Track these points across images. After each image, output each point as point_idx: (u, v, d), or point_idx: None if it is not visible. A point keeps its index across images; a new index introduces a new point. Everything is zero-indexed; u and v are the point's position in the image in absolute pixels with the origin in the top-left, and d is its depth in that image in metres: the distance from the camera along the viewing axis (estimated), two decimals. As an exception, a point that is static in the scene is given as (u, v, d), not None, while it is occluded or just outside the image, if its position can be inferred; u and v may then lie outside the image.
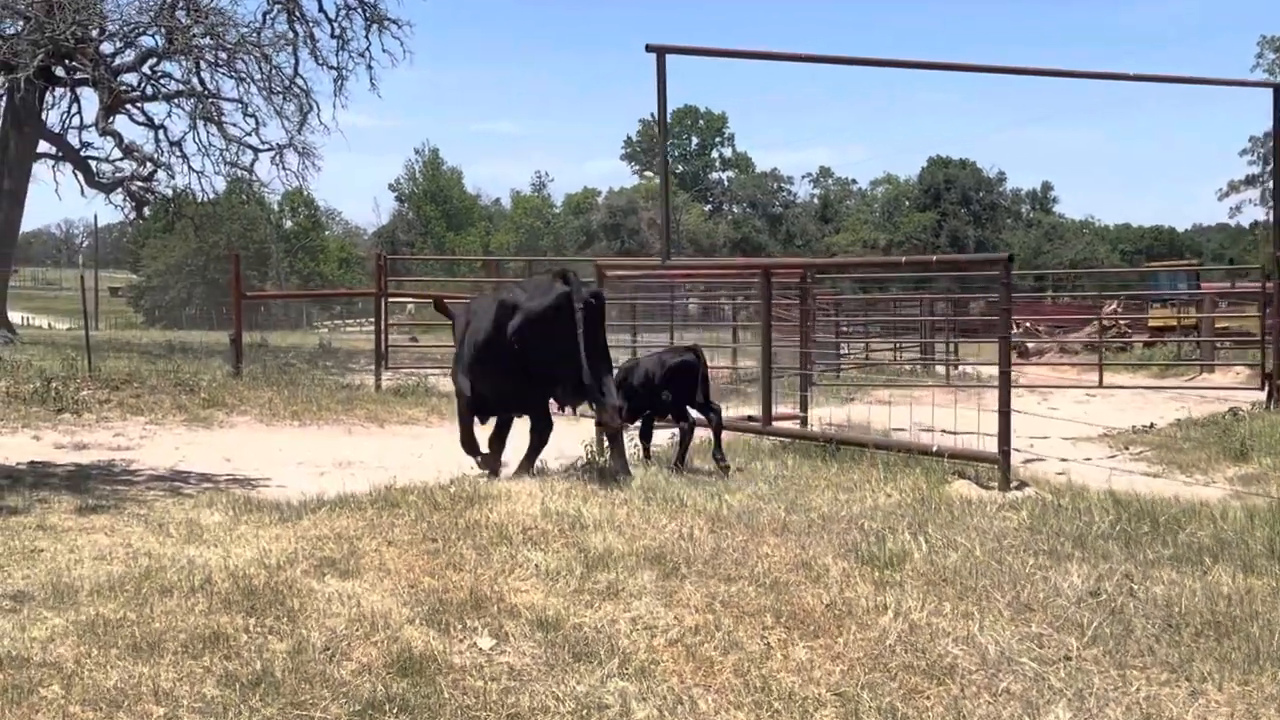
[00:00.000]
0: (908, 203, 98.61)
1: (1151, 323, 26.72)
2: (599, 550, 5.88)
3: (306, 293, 64.90)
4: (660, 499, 7.02)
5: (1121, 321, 27.32)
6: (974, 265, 18.92)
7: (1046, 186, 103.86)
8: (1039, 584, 5.34)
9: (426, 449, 12.04)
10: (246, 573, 5.51)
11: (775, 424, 9.80)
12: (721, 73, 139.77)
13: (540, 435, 8.70)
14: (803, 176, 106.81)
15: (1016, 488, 7.53)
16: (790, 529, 6.37)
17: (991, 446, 7.75)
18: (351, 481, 9.79)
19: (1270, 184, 29.97)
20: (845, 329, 24.17)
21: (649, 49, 9.97)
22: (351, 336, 42.10)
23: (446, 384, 16.27)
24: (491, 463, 8.82)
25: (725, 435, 9.44)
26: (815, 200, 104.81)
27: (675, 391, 9.14)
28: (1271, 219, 31.96)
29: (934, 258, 9.48)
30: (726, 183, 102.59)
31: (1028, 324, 34.92)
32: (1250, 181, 31.48)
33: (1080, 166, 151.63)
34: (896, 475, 7.82)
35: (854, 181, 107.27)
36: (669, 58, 10.02)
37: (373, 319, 19.43)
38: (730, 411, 11.99)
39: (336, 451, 11.71)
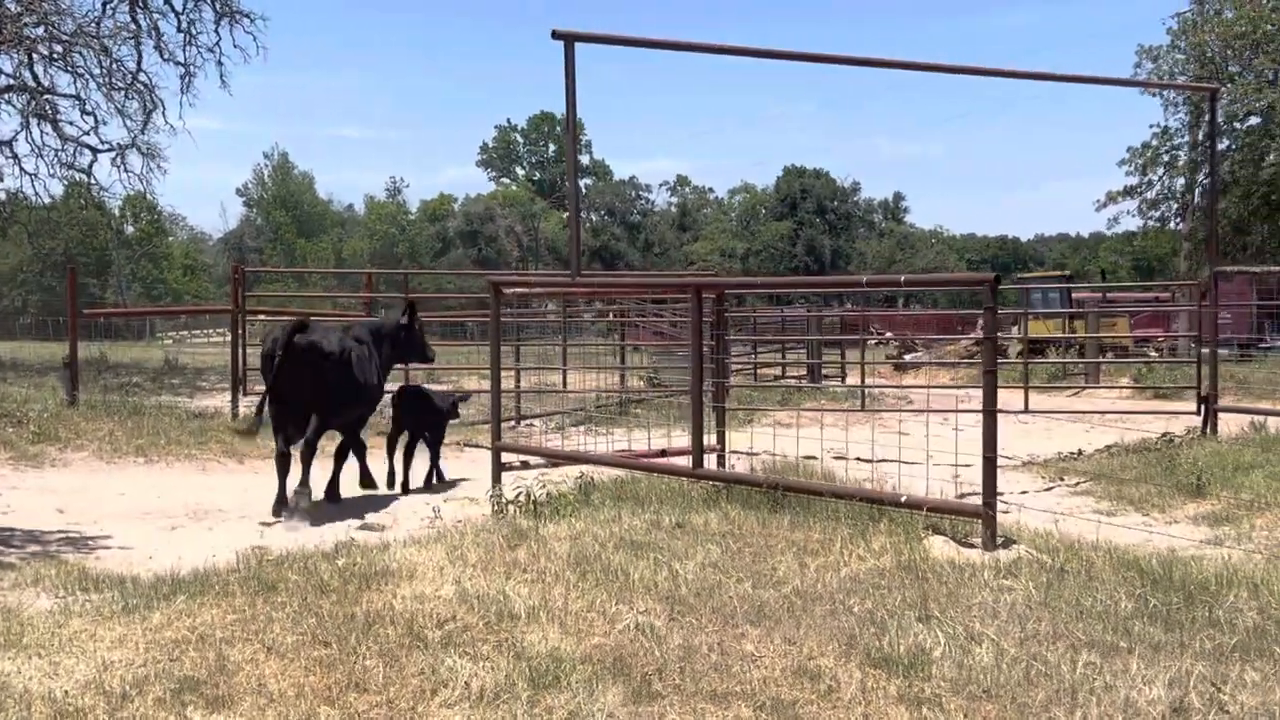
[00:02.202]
0: (764, 211, 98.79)
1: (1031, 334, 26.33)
2: (542, 655, 4.64)
3: (151, 309, 61.49)
4: (599, 572, 5.80)
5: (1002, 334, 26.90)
6: (957, 284, 17.98)
7: (898, 197, 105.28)
8: (1103, 696, 4.27)
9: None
10: (79, 707, 4.14)
11: (718, 463, 8.62)
12: (579, 80, 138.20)
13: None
14: (660, 184, 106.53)
15: (1002, 545, 6.50)
16: (767, 613, 5.20)
17: (944, 483, 6.77)
18: (211, 539, 8.41)
19: (1148, 195, 30.08)
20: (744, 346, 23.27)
21: (555, 35, 8.79)
22: (199, 349, 39.70)
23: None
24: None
25: (642, 475, 8.53)
26: (673, 208, 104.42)
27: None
28: (1184, 228, 32.22)
29: (902, 277, 8.50)
30: (584, 190, 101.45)
31: (888, 334, 34.58)
32: (1129, 193, 31.40)
33: (929, 177, 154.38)
34: (864, 531, 6.71)
35: (711, 190, 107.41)
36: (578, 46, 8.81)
37: (222, 329, 17.67)
38: (627, 442, 10.87)
39: (190, 496, 10.23)
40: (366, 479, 10.72)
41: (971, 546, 6.50)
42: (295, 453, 9.52)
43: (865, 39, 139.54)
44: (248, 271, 20.04)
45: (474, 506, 9.08)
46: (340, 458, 10.54)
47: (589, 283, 11.31)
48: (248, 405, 15.06)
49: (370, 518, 9.21)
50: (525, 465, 9.56)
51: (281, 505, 9.42)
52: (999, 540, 6.51)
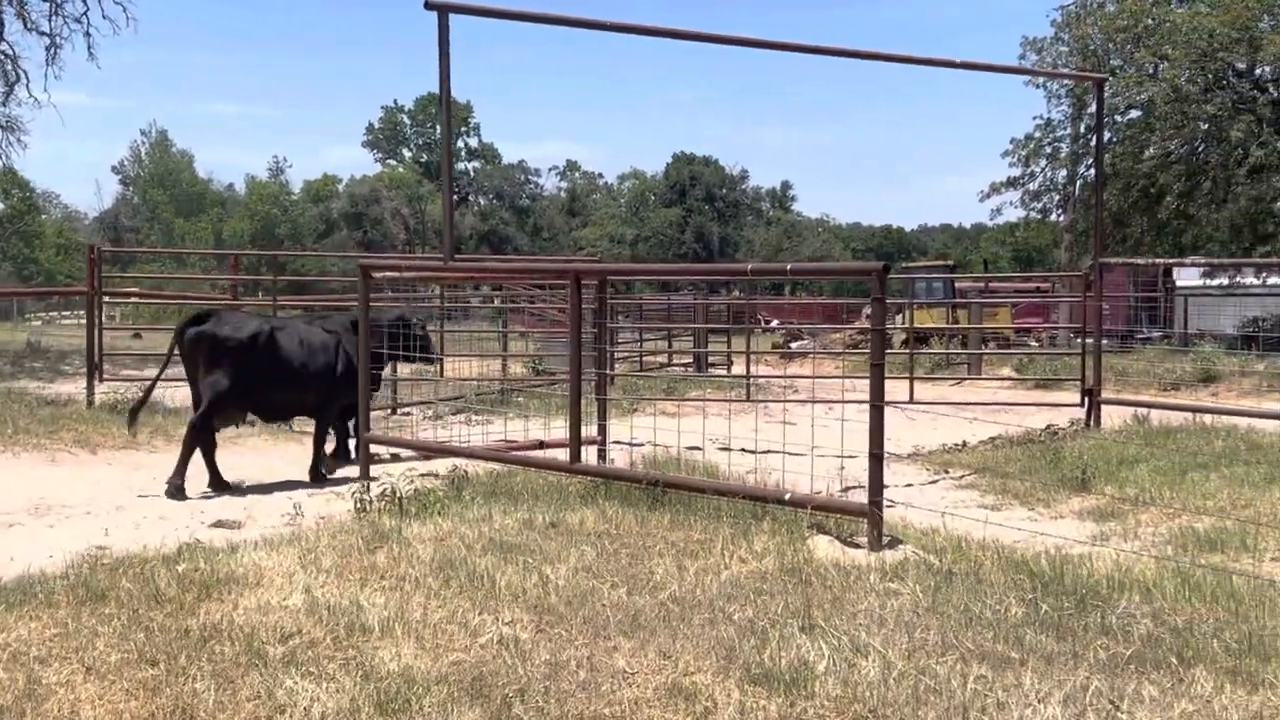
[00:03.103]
0: (653, 198, 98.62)
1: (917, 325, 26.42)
2: (394, 674, 4.23)
3: (6, 291, 58.91)
4: (463, 578, 5.39)
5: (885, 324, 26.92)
6: (844, 274, 17.63)
7: (786, 185, 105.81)
8: (996, 715, 3.99)
9: (149, 483, 10.04)
10: None
11: (599, 455, 8.24)
12: (467, 62, 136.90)
13: None
14: (549, 169, 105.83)
15: (889, 545, 6.23)
16: (642, 623, 4.85)
17: (829, 478, 6.50)
18: (50, 538, 7.82)
19: (1030, 186, 30.39)
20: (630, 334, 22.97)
21: (429, 6, 8.30)
22: (67, 332, 38.18)
23: (175, 397, 14.14)
24: None
25: (517, 470, 8.16)
26: (562, 194, 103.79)
27: None
28: (1065, 220, 32.58)
29: (788, 265, 8.19)
30: (472, 173, 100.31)
31: (774, 323, 34.57)
32: (1012, 184, 31.70)
33: (817, 165, 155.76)
34: (747, 531, 6.40)
35: (601, 176, 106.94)
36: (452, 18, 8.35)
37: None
38: (506, 433, 10.48)
39: (35, 489, 9.58)
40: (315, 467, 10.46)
41: (857, 546, 6.22)
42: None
43: (758, 28, 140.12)
44: (114, 251, 19.12)
45: (340, 502, 8.58)
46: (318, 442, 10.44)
47: (463, 267, 10.84)
48: (105, 392, 14.32)
49: (226, 514, 8.66)
50: (396, 458, 9.10)
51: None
52: (885, 540, 6.25)
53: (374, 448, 9.61)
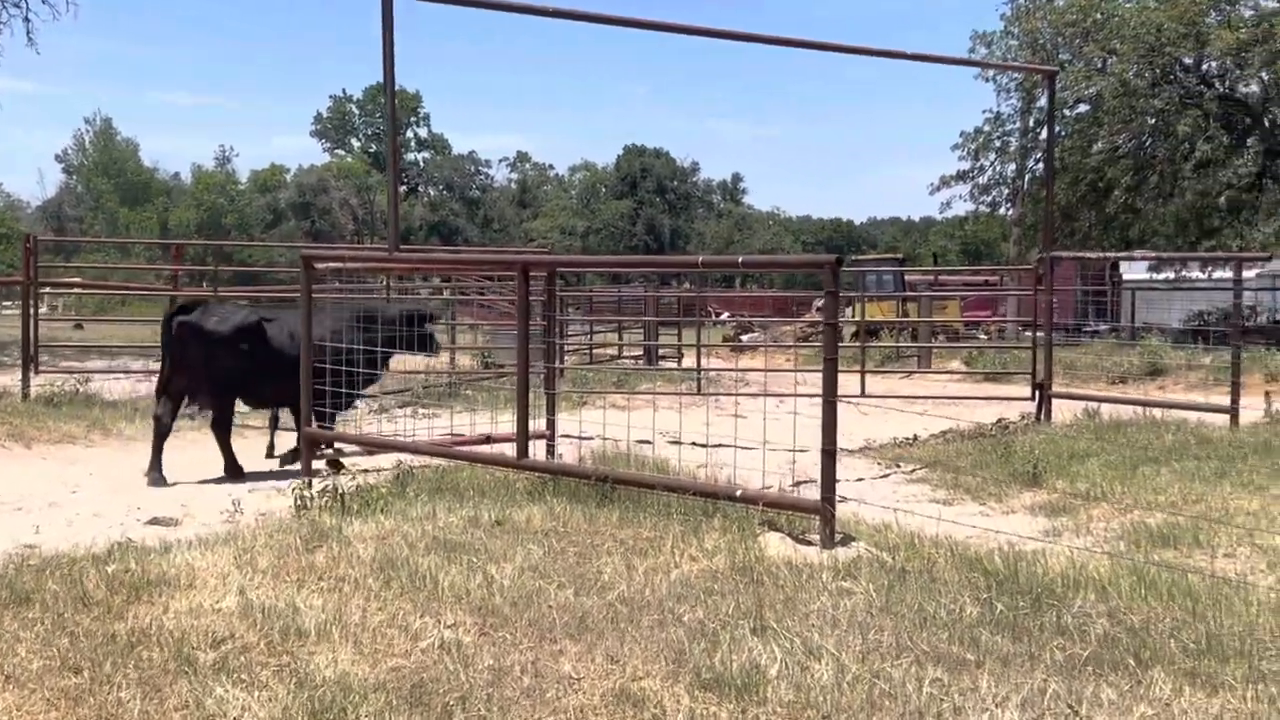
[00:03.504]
0: (604, 190, 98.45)
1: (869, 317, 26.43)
2: (330, 681, 4.06)
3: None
4: (405, 579, 5.22)
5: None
6: (796, 267, 17.33)
7: (736, 178, 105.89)
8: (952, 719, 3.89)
9: (84, 478, 9.79)
10: None
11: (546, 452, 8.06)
12: (416, 51, 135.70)
13: None
14: (500, 161, 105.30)
15: (841, 542, 6.12)
16: (589, 625, 4.70)
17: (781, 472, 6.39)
18: (-24, 536, 7.55)
19: (980, 180, 30.48)
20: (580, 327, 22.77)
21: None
22: (8, 323, 37.43)
23: (115, 388, 13.82)
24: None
25: (464, 465, 8.01)
26: (513, 185, 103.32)
27: None
28: (1014, 214, 32.67)
29: (739, 258, 8.11)
30: (422, 164, 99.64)
31: (725, 315, 34.51)
32: (961, 177, 31.79)
33: (767, 159, 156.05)
34: (697, 528, 6.27)
35: (551, 167, 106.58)
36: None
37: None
38: (453, 426, 10.26)
39: (-38, 486, 9.28)
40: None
41: (809, 544, 6.10)
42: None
43: (705, 19, 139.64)
44: (55, 241, 18.70)
45: (281, 499, 8.34)
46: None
47: (408, 258, 10.61)
48: (41, 385, 13.98)
49: (163, 510, 8.43)
50: (339, 454, 8.89)
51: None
52: (838, 537, 6.14)
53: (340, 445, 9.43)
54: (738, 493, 6.55)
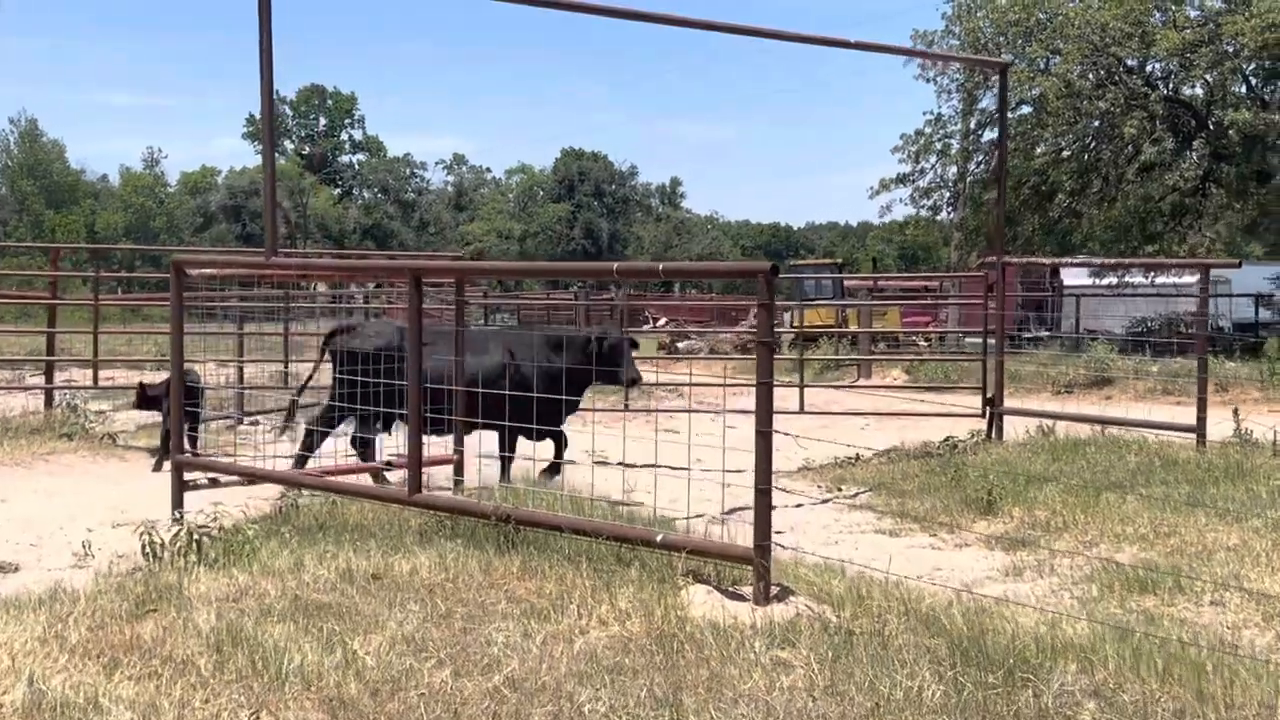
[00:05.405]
0: (542, 193, 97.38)
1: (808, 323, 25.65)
2: (112, 818, 3.11)
3: None
4: (244, 658, 4.26)
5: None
6: (724, 275, 16.41)
7: (675, 182, 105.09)
8: None
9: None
10: None
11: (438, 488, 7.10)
12: (351, 52, 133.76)
13: None
14: (436, 163, 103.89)
15: (778, 597, 5.23)
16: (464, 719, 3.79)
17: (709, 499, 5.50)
18: None
19: (920, 183, 29.84)
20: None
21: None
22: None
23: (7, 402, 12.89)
24: None
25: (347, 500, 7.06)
26: (449, 188, 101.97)
27: None
28: (955, 218, 32.06)
29: (660, 266, 7.27)
30: (357, 166, 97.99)
31: (661, 319, 33.67)
32: (901, 180, 31.15)
33: (706, 163, 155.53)
34: (610, 581, 5.36)
35: (488, 170, 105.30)
36: None
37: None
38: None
39: None
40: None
41: (740, 599, 5.21)
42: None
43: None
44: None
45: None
46: None
47: (287, 264, 9.63)
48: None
49: (5, 554, 7.38)
50: (215, 483, 7.89)
51: None
52: (773, 591, 5.25)
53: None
54: (658, 538, 5.64)
